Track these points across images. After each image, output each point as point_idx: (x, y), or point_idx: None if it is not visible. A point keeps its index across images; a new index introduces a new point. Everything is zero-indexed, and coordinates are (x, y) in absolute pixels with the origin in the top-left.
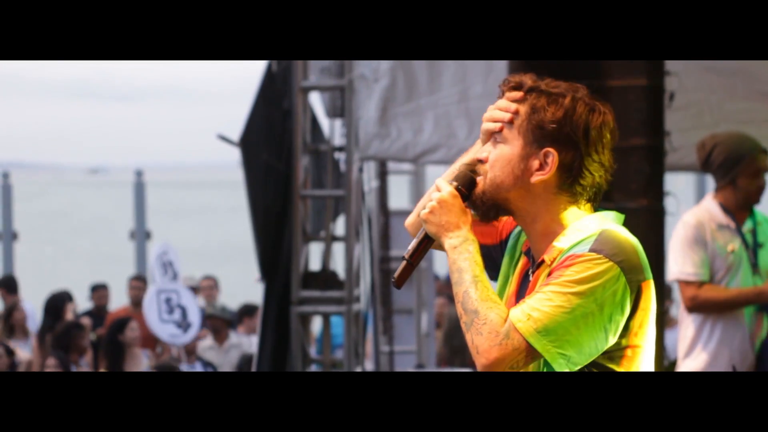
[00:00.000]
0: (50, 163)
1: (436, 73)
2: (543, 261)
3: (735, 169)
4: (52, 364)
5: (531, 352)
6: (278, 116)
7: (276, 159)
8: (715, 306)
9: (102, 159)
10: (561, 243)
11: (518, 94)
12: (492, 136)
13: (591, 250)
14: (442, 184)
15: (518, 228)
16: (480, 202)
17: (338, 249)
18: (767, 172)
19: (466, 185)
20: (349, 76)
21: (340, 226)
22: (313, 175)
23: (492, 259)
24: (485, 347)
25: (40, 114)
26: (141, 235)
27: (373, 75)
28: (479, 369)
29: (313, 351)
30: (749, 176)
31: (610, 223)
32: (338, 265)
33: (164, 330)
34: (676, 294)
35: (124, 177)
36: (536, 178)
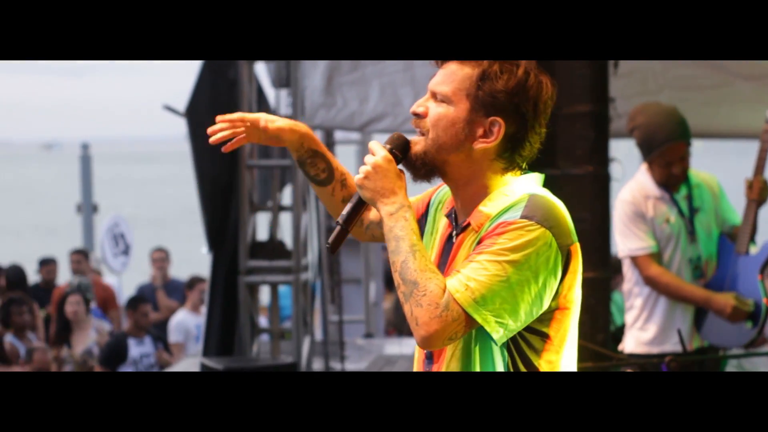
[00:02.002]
0: (2, 138)
1: None
2: (469, 224)
3: (649, 156)
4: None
5: (469, 322)
6: (224, 87)
7: None
8: (667, 293)
9: (55, 134)
10: (488, 208)
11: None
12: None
13: (523, 217)
14: (375, 147)
15: (437, 196)
16: (420, 162)
17: (285, 219)
18: (685, 159)
19: (400, 148)
20: None
21: (287, 196)
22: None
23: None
24: (425, 319)
25: None
26: (88, 208)
27: None
28: (418, 341)
29: (262, 320)
30: (661, 166)
31: (535, 186)
32: (286, 235)
33: (116, 262)
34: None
35: (73, 151)
36: (479, 145)
